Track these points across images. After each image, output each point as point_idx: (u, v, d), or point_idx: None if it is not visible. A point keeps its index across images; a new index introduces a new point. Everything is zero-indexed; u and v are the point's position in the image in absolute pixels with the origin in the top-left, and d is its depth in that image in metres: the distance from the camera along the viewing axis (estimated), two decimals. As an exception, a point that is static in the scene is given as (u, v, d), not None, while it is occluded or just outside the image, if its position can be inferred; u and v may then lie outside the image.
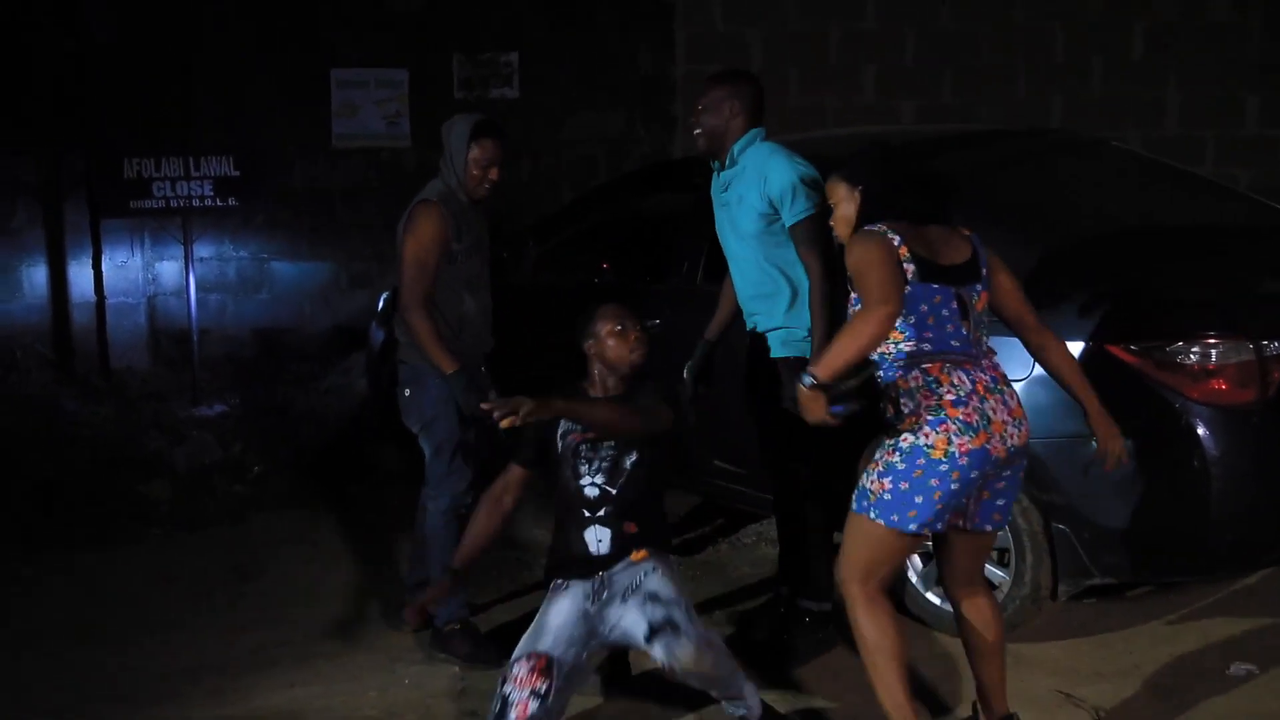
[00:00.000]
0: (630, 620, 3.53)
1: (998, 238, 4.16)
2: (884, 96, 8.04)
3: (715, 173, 4.20)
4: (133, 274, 7.98)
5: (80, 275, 7.82)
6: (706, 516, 5.59)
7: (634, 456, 3.75)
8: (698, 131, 4.12)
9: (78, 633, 4.69)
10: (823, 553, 4.19)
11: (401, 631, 4.45)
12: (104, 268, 7.84)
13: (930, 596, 4.23)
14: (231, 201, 7.32)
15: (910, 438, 3.18)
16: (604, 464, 3.76)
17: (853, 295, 3.28)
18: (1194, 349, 3.77)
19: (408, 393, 4.33)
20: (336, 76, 8.00)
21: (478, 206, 4.36)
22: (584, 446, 3.77)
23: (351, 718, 3.90)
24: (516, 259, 5.65)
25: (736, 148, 4.07)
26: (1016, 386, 3.91)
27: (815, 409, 3.19)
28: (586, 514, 3.72)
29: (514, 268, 5.62)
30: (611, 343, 3.78)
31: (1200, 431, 3.76)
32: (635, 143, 8.34)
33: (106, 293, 7.88)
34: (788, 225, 3.98)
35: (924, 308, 3.21)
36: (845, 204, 3.36)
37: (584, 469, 3.76)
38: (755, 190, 4.01)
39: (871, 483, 3.22)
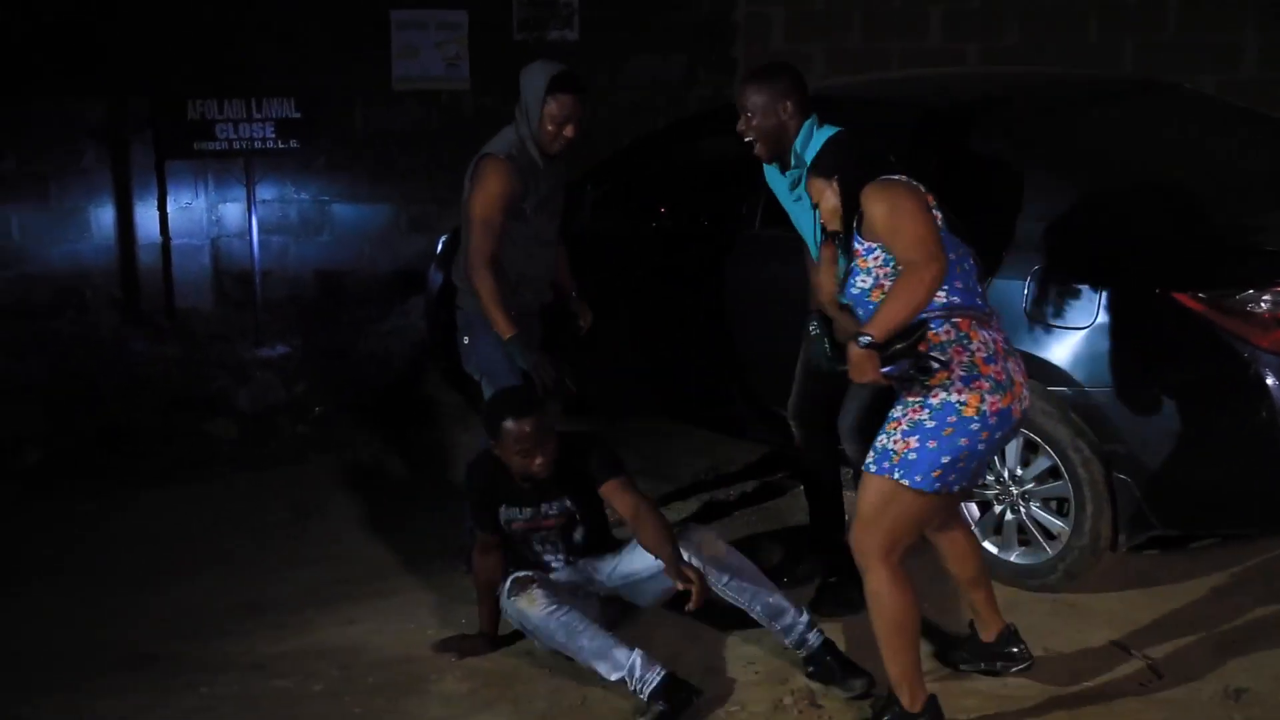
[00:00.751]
0: (630, 557, 3.76)
1: (1067, 182, 4.15)
2: (949, 39, 7.88)
3: (778, 172, 3.99)
4: (197, 215, 8.06)
5: (146, 217, 7.90)
6: (770, 468, 5.57)
7: (581, 529, 3.96)
8: (752, 140, 3.85)
9: (145, 569, 4.80)
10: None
11: (459, 573, 4.50)
12: (169, 209, 7.91)
13: (988, 545, 4.19)
14: (293, 143, 7.36)
15: (942, 394, 3.11)
16: (562, 544, 3.95)
17: (863, 247, 3.21)
18: (1265, 297, 3.68)
19: (465, 340, 4.34)
20: (396, 18, 7.97)
21: (553, 160, 4.21)
22: (531, 534, 3.92)
23: (408, 654, 3.97)
24: (574, 204, 5.62)
25: (798, 145, 3.86)
26: (1080, 335, 3.92)
27: (868, 369, 3.15)
28: (553, 569, 3.97)
29: (572, 213, 5.59)
30: (516, 459, 3.77)
31: (1270, 382, 3.67)
32: (695, 86, 8.26)
33: (171, 234, 7.96)
34: None
35: (952, 257, 3.15)
36: (828, 196, 3.28)
37: (539, 548, 3.95)
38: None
39: (895, 442, 3.15)
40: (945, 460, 3.11)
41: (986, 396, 3.10)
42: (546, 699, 3.63)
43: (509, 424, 3.72)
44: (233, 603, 4.45)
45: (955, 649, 3.72)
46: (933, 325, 3.14)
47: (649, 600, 3.93)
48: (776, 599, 3.69)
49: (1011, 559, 4.17)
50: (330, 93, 7.77)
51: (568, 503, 3.91)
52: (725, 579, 3.70)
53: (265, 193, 7.95)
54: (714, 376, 5.17)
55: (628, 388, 5.60)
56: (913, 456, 3.12)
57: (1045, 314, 3.97)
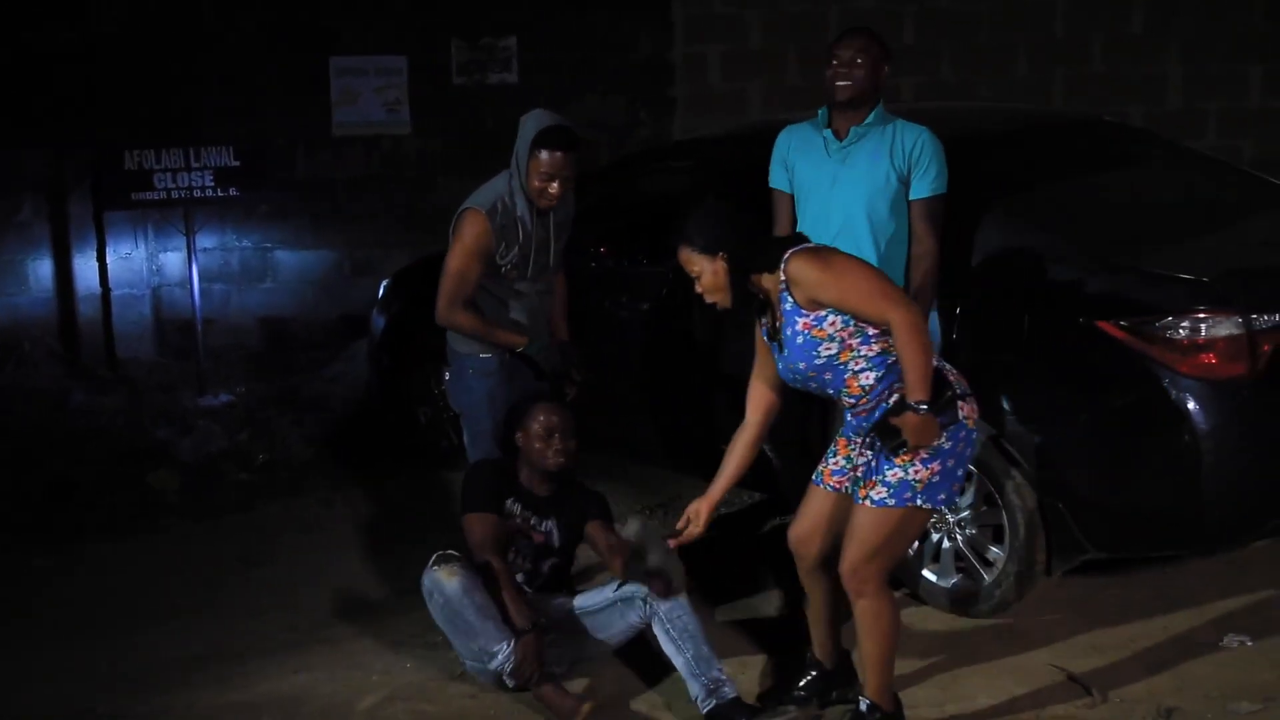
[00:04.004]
0: (589, 594, 3.88)
1: (993, 214, 4.25)
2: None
3: (819, 142, 4.01)
4: (137, 265, 8.04)
5: (85, 268, 7.88)
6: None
7: (550, 563, 4.02)
8: (847, 83, 3.88)
9: (88, 623, 4.75)
10: None
11: (406, 618, 4.49)
12: (108, 259, 7.89)
13: (927, 573, 4.26)
14: (232, 191, 7.36)
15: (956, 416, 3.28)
16: (526, 564, 4.00)
17: (811, 318, 3.27)
18: (1184, 323, 3.79)
19: (447, 376, 4.40)
20: (335, 64, 8.01)
21: (546, 212, 4.12)
22: (516, 536, 3.98)
23: (354, 700, 3.96)
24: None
25: (874, 114, 3.95)
26: (1009, 364, 4.03)
27: (932, 432, 3.21)
28: None
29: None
30: (540, 447, 3.94)
31: (1191, 406, 3.78)
32: (637, 126, 8.35)
33: (111, 284, 7.93)
34: (920, 196, 3.92)
35: None
36: (709, 273, 3.34)
37: (511, 557, 3.97)
38: (899, 153, 3.91)
39: (915, 473, 3.25)
40: (960, 474, 3.33)
41: (973, 408, 3.31)
42: (492, 741, 3.64)
43: (543, 406, 3.93)
44: (177, 655, 4.41)
45: (789, 685, 3.75)
46: (940, 362, 3.31)
47: (606, 634, 3.91)
48: (710, 651, 3.69)
49: (950, 586, 4.23)
50: (270, 140, 7.80)
51: (555, 529, 4.02)
52: (675, 614, 3.72)
53: (206, 241, 7.94)
54: (659, 415, 5.21)
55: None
56: (936, 480, 3.27)
57: (974, 343, 4.06)
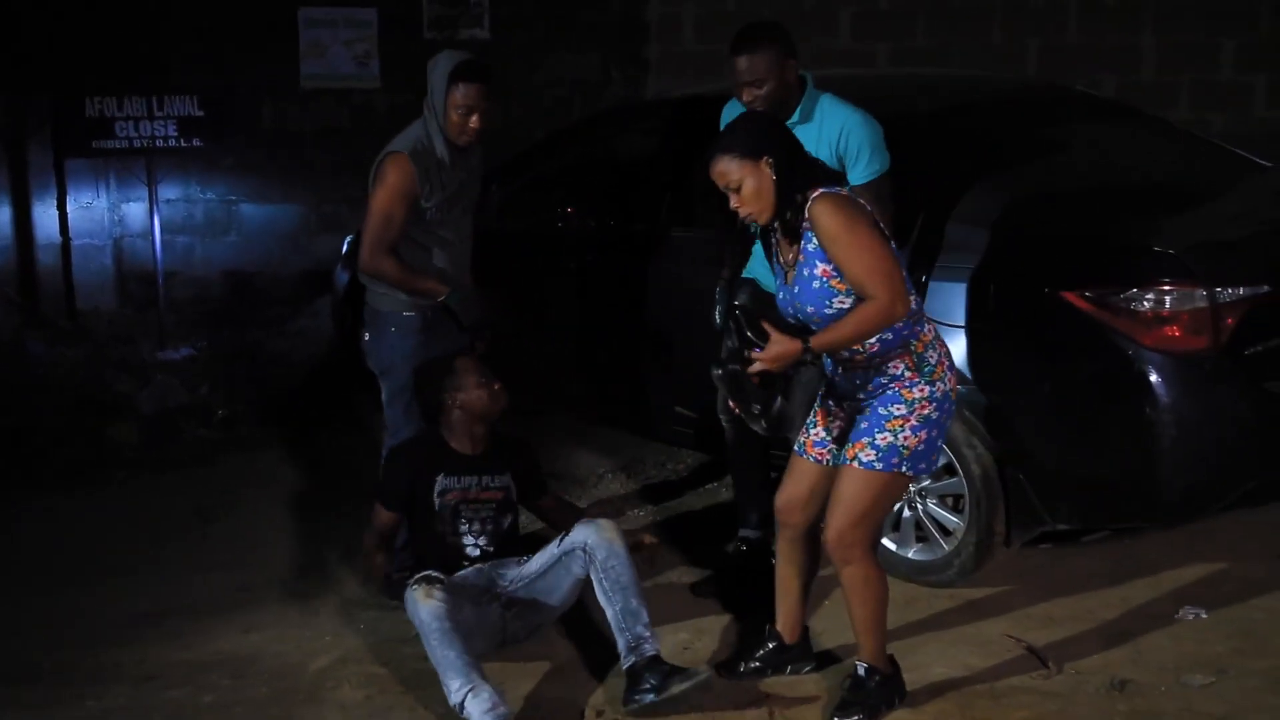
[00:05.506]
0: (537, 556, 3.83)
1: (959, 183, 4.21)
2: (859, 40, 7.97)
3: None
4: (98, 215, 7.91)
5: (45, 217, 7.76)
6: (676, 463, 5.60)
7: (510, 518, 4.02)
8: (754, 99, 3.80)
9: (39, 576, 4.69)
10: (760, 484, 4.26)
11: (361, 577, 4.46)
12: (69, 209, 7.77)
13: (887, 542, 4.24)
14: (196, 142, 7.25)
15: (941, 385, 3.28)
16: (487, 526, 3.98)
17: (832, 266, 3.19)
18: (1148, 296, 3.76)
19: (367, 336, 4.30)
20: (304, 16, 7.88)
21: (465, 153, 4.14)
22: (464, 506, 3.96)
23: (306, 662, 3.92)
24: (480, 204, 5.58)
25: (800, 109, 3.88)
26: (972, 333, 4.01)
27: (784, 363, 3.22)
28: (463, 563, 3.93)
29: (478, 211, 5.55)
30: (479, 393, 3.98)
31: (1153, 379, 3.76)
32: (609, 84, 8.26)
33: (72, 234, 7.82)
34: (860, 182, 3.82)
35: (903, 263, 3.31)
36: (751, 181, 3.20)
37: (464, 529, 3.97)
38: (825, 146, 3.83)
39: (904, 439, 3.25)
40: (940, 444, 3.35)
41: (953, 377, 3.33)
42: (443, 704, 3.59)
43: (467, 360, 4.02)
44: (129, 611, 4.36)
45: (745, 654, 3.73)
46: (918, 328, 3.27)
47: (558, 597, 3.87)
48: (639, 606, 3.65)
49: (909, 555, 4.22)
50: (236, 91, 7.67)
51: (509, 480, 4.04)
52: (610, 563, 3.68)
53: (169, 192, 7.82)
54: (623, 377, 5.17)
55: (536, 388, 5.58)
56: (921, 448, 3.28)
57: (936, 313, 4.02)
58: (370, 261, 4.08)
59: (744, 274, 3.88)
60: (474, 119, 4.05)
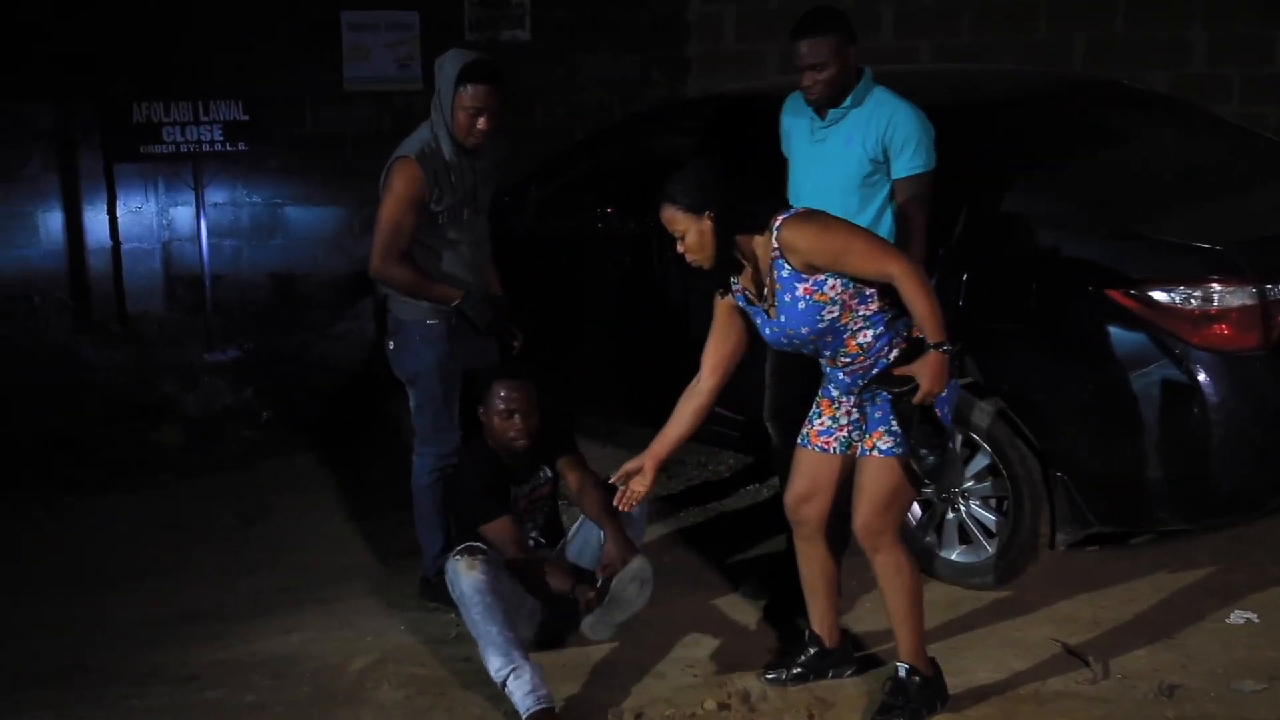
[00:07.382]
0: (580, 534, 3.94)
1: (1003, 181, 4.15)
2: (902, 37, 7.88)
3: (807, 116, 3.92)
4: (147, 219, 7.99)
5: (96, 221, 7.84)
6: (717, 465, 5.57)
7: (553, 504, 4.11)
8: (814, 83, 3.76)
9: (83, 577, 4.74)
10: None
11: (402, 580, 4.46)
12: (119, 213, 7.85)
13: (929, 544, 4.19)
14: (241, 146, 7.31)
15: None
16: (539, 520, 4.04)
17: (811, 282, 3.22)
18: (1195, 294, 3.69)
19: (391, 345, 4.24)
20: (347, 19, 7.92)
21: (475, 154, 4.05)
22: (526, 508, 4.00)
23: (346, 663, 3.92)
24: (518, 205, 5.60)
25: (852, 95, 3.84)
26: (1016, 332, 3.96)
27: (946, 375, 3.19)
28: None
29: (516, 213, 5.56)
30: (500, 424, 3.89)
31: (1201, 378, 3.69)
32: (650, 85, 8.23)
33: (122, 238, 7.90)
34: (901, 176, 3.80)
35: None
36: (694, 233, 3.26)
37: (529, 527, 4.00)
38: (872, 136, 3.80)
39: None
40: (949, 424, 3.32)
41: None
42: (481, 706, 3.60)
43: (504, 382, 3.88)
44: (171, 611, 4.39)
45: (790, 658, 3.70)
46: (906, 316, 3.25)
47: (586, 559, 3.96)
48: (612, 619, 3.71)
49: (952, 557, 4.17)
50: (280, 95, 7.72)
51: (549, 471, 4.06)
52: (626, 592, 3.71)
53: (215, 196, 7.89)
54: (663, 378, 5.13)
55: (577, 390, 5.57)
56: None
57: (978, 311, 3.97)
58: (380, 268, 4.01)
59: None
60: (482, 120, 3.96)
